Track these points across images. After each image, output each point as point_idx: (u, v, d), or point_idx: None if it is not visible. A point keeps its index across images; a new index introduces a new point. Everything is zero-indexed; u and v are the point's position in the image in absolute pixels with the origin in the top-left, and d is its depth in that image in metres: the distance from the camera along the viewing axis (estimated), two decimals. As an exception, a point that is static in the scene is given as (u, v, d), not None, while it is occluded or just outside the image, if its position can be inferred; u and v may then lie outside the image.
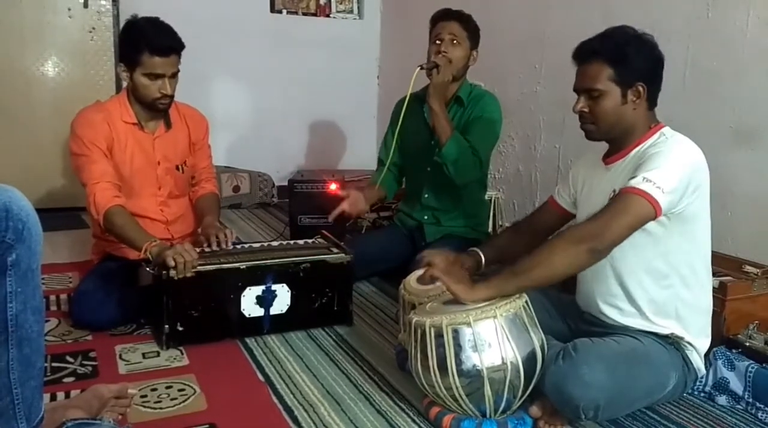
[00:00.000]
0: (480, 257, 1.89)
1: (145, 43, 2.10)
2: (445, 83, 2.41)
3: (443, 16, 2.50)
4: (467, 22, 2.50)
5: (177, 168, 2.36)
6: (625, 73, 1.62)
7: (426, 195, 2.65)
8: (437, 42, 2.46)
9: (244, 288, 2.05)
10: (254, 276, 2.06)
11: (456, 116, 2.53)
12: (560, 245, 1.57)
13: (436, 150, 2.43)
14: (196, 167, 2.46)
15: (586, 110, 1.68)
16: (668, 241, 1.63)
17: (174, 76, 2.18)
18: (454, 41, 2.45)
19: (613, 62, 1.62)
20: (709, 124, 2.34)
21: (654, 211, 1.52)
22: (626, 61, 1.62)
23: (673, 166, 1.56)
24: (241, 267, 2.04)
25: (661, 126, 1.69)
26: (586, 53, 1.67)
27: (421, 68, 2.40)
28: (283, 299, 2.11)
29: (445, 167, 2.39)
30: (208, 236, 2.17)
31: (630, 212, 1.52)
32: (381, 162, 2.71)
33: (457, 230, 2.59)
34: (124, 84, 2.27)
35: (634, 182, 1.54)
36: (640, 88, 1.63)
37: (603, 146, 1.78)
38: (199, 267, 1.97)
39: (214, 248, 2.13)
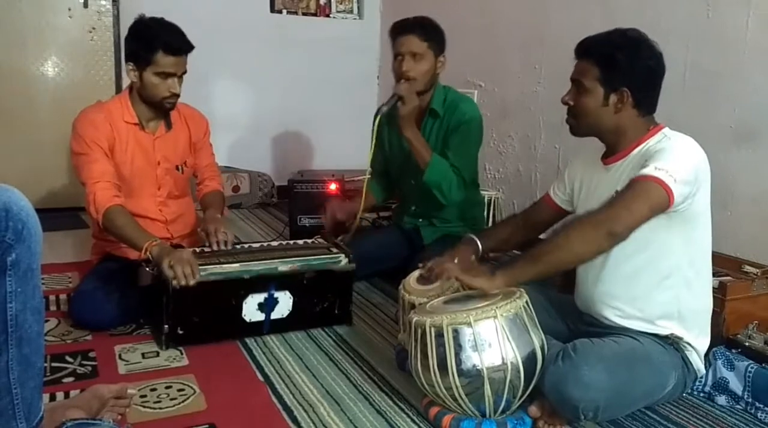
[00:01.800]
0: (477, 244, 1.92)
1: (160, 42, 2.12)
2: (413, 111, 2.35)
3: (400, 30, 2.40)
4: (426, 33, 2.38)
5: (177, 168, 2.36)
6: (610, 77, 1.64)
7: (413, 207, 2.65)
8: (399, 59, 2.40)
9: (247, 296, 2.04)
10: (257, 284, 2.05)
11: (434, 129, 2.49)
12: (578, 230, 1.57)
13: (419, 176, 2.41)
14: (198, 166, 2.47)
15: (571, 102, 1.72)
16: (669, 242, 1.63)
17: (182, 76, 2.20)
18: (416, 56, 2.37)
19: (601, 64, 1.65)
20: (709, 124, 2.34)
21: (668, 199, 1.52)
22: (614, 66, 1.63)
23: (682, 159, 1.56)
24: (245, 277, 2.03)
25: (661, 127, 1.69)
26: (581, 50, 1.71)
27: (380, 114, 2.35)
28: (284, 305, 2.11)
29: (431, 192, 2.39)
30: (208, 233, 2.18)
31: (647, 197, 1.52)
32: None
33: (454, 230, 2.59)
34: (125, 84, 2.28)
35: (646, 171, 1.54)
36: (624, 94, 1.64)
37: (600, 145, 1.78)
38: (201, 278, 1.95)
39: (214, 248, 2.14)
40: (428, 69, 2.40)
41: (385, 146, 2.64)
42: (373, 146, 2.43)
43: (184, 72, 2.21)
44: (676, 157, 1.56)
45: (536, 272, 1.60)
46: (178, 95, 2.22)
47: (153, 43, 2.12)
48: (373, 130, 2.41)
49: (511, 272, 1.61)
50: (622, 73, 1.63)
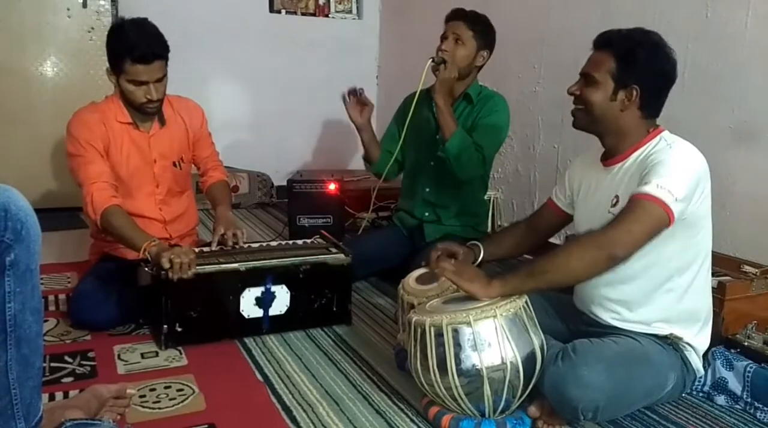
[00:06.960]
0: (479, 251, 1.91)
1: (126, 51, 2.06)
2: (451, 80, 2.42)
3: (452, 15, 2.53)
4: (474, 23, 2.49)
5: (174, 164, 2.35)
6: (624, 72, 1.62)
7: (427, 189, 2.65)
8: (443, 40, 2.48)
9: (243, 290, 2.05)
10: (253, 278, 2.06)
11: (464, 113, 2.53)
12: (579, 250, 1.56)
13: (440, 145, 2.44)
14: (199, 157, 2.44)
15: (577, 92, 1.70)
16: (670, 246, 1.62)
17: (160, 80, 2.14)
18: (457, 41, 2.46)
19: (618, 58, 1.63)
20: (709, 124, 2.34)
21: (668, 219, 1.52)
22: (631, 62, 1.62)
23: (683, 173, 1.55)
24: (241, 269, 2.04)
25: (660, 130, 1.68)
26: (602, 40, 1.69)
27: (432, 60, 2.43)
28: (282, 300, 2.11)
29: (448, 162, 2.40)
30: (221, 231, 2.17)
31: (649, 219, 1.52)
32: (384, 151, 2.69)
33: (456, 229, 2.59)
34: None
35: (648, 189, 1.53)
36: (634, 92, 1.63)
37: (600, 146, 1.77)
38: (197, 269, 1.96)
39: (230, 244, 2.14)
40: (466, 55, 2.47)
41: (407, 127, 2.63)
42: (417, 95, 2.53)
43: (162, 77, 2.14)
44: (677, 171, 1.55)
45: (533, 287, 1.59)
46: (157, 101, 2.16)
47: (120, 51, 2.07)
48: (422, 77, 2.44)
49: (509, 283, 1.59)
50: (637, 71, 1.62)
